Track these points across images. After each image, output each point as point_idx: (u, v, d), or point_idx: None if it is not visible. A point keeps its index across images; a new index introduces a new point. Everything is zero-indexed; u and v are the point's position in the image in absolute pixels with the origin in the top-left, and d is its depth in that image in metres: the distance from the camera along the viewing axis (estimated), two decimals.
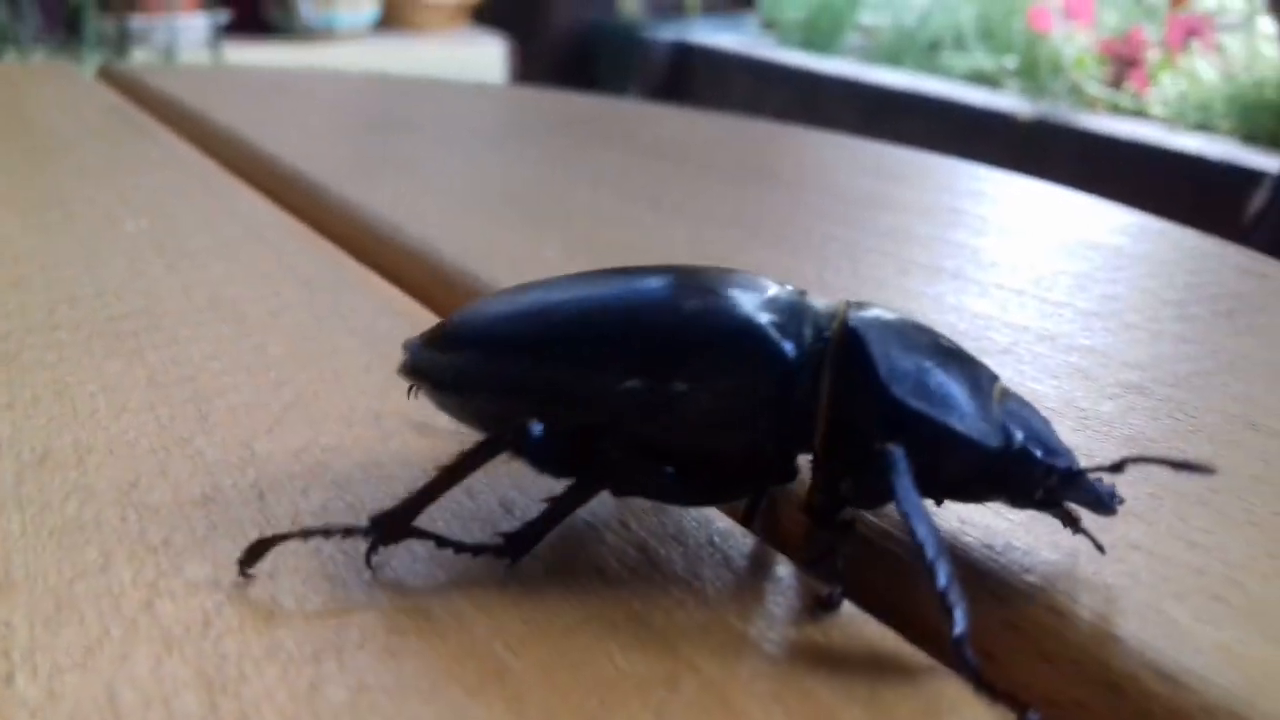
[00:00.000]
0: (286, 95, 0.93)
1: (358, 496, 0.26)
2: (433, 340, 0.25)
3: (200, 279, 0.43)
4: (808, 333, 0.23)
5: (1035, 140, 2.13)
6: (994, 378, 0.24)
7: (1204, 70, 2.11)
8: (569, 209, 0.54)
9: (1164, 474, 0.28)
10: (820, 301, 0.24)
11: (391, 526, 0.23)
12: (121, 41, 2.20)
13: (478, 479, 0.23)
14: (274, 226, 0.51)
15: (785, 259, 0.46)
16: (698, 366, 0.23)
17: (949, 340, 0.24)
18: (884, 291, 0.42)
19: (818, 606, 0.22)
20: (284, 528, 0.25)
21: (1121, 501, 0.23)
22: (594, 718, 0.19)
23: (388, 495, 0.26)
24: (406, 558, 0.24)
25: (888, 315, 0.24)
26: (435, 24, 2.80)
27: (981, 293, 0.42)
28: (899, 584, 0.23)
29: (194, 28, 2.36)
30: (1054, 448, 0.23)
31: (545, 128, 0.79)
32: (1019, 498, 0.23)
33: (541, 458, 0.23)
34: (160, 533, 0.25)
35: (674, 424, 0.23)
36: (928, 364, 0.23)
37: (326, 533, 0.23)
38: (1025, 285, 0.43)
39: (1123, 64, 2.19)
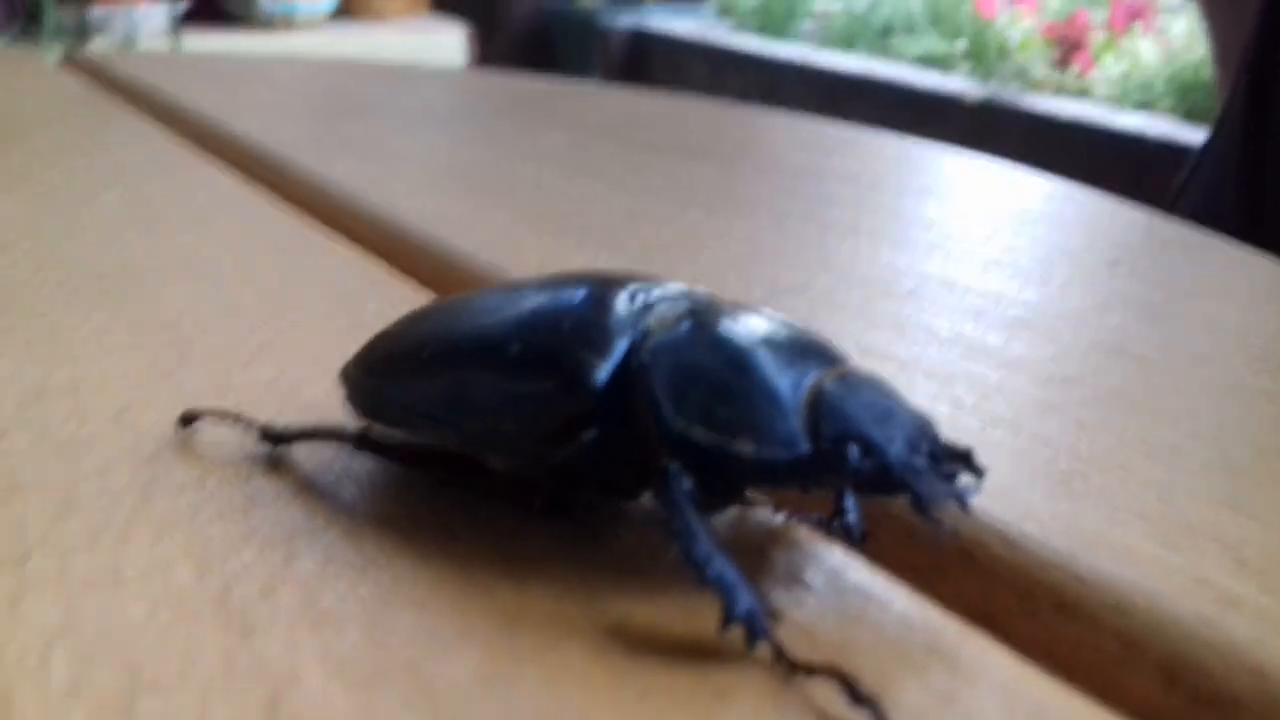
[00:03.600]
0: (248, 80, 0.96)
1: (323, 417, 0.30)
2: (345, 375, 0.28)
3: (174, 243, 0.46)
4: (623, 358, 0.23)
5: (983, 121, 2.18)
6: (818, 372, 0.23)
7: (1146, 51, 2.17)
8: (515, 183, 0.58)
9: (1033, 390, 0.32)
10: (659, 311, 0.24)
11: (272, 437, 0.28)
12: (81, 31, 2.21)
13: None
14: (242, 199, 0.54)
15: (718, 223, 0.49)
16: (516, 413, 0.24)
17: (781, 333, 0.23)
18: (806, 249, 0.46)
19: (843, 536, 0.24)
20: (264, 447, 0.28)
21: (961, 501, 0.22)
22: (526, 575, 0.23)
23: (347, 416, 0.30)
24: (366, 463, 0.27)
25: (696, 330, 0.23)
26: (394, 11, 2.82)
27: (894, 247, 0.46)
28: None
29: (153, 17, 2.37)
30: (873, 444, 0.21)
31: (495, 109, 0.82)
32: (855, 488, 0.23)
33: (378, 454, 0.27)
34: (150, 445, 0.28)
35: (519, 456, 0.25)
36: (719, 387, 0.22)
37: (236, 417, 0.29)
38: (936, 240, 0.47)
39: (1067, 46, 2.24)
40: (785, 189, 0.56)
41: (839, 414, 0.22)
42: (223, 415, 0.29)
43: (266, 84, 0.96)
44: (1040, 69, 2.27)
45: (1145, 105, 2.09)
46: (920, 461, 0.22)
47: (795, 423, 0.22)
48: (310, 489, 0.26)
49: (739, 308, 0.24)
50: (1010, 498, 0.26)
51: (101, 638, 0.21)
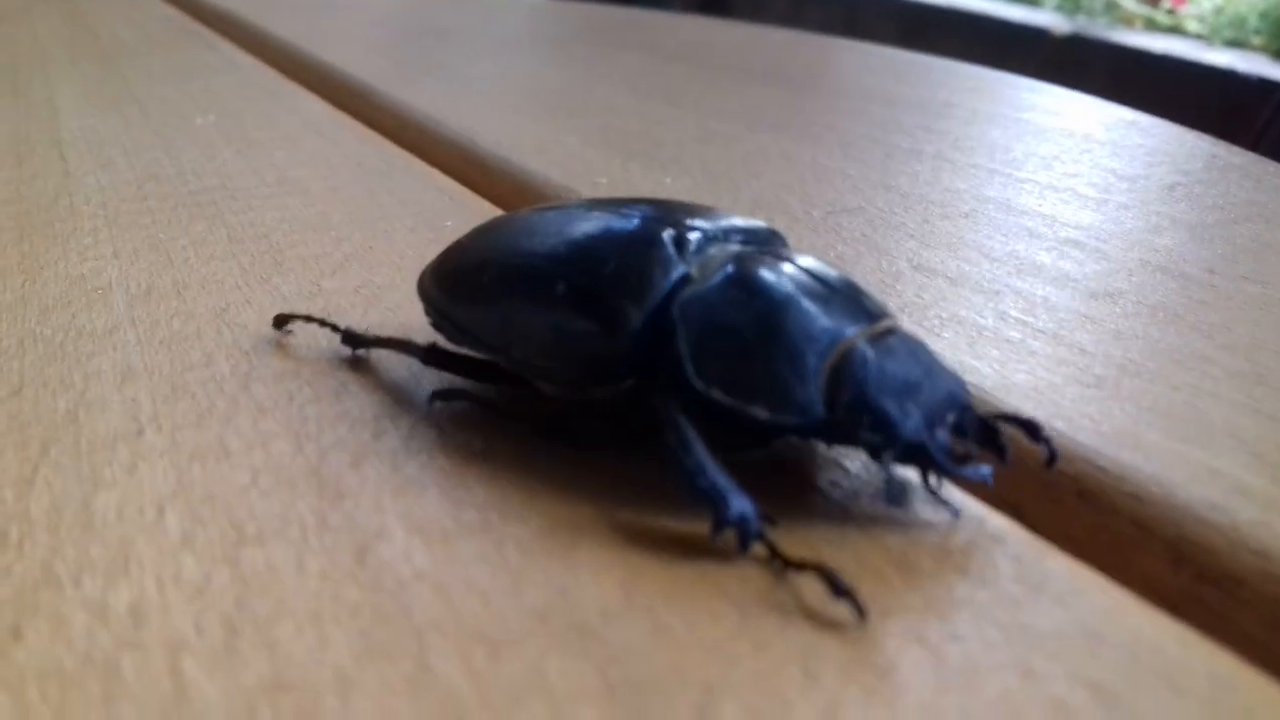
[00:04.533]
0: (330, 8, 0.99)
1: (406, 318, 0.32)
2: (420, 286, 0.30)
3: (266, 162, 0.48)
4: (665, 309, 0.23)
5: (1070, 56, 2.14)
6: (851, 332, 0.22)
7: None
8: (590, 104, 0.60)
9: (1076, 304, 0.33)
10: (705, 255, 0.24)
11: (353, 341, 0.30)
12: None
13: None
14: (329, 121, 0.57)
15: (784, 146, 0.51)
16: (556, 348, 0.25)
17: (819, 288, 0.23)
18: (868, 172, 0.47)
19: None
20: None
21: (981, 475, 0.22)
22: (585, 464, 0.25)
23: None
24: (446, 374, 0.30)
25: (732, 282, 0.23)
26: None
27: (956, 171, 0.47)
28: None
29: None
30: (888, 419, 0.21)
31: (572, 35, 0.84)
32: (871, 457, 0.22)
33: (443, 368, 0.28)
34: (249, 341, 0.31)
35: (561, 387, 0.26)
36: (743, 348, 0.22)
37: (322, 322, 0.30)
38: (998, 165, 0.48)
39: None
40: (853, 114, 0.57)
41: (858, 382, 0.22)
42: (308, 319, 0.31)
43: (348, 12, 0.98)
44: (1130, 3, 2.22)
45: (1237, 42, 2.03)
46: (937, 440, 0.22)
47: (813, 389, 0.22)
48: (394, 381, 0.29)
49: (785, 255, 0.24)
50: (1043, 398, 0.28)
51: (209, 499, 0.23)
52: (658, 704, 0.18)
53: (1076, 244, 0.38)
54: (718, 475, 0.21)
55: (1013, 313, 0.32)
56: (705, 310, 0.23)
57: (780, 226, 0.28)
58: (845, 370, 0.22)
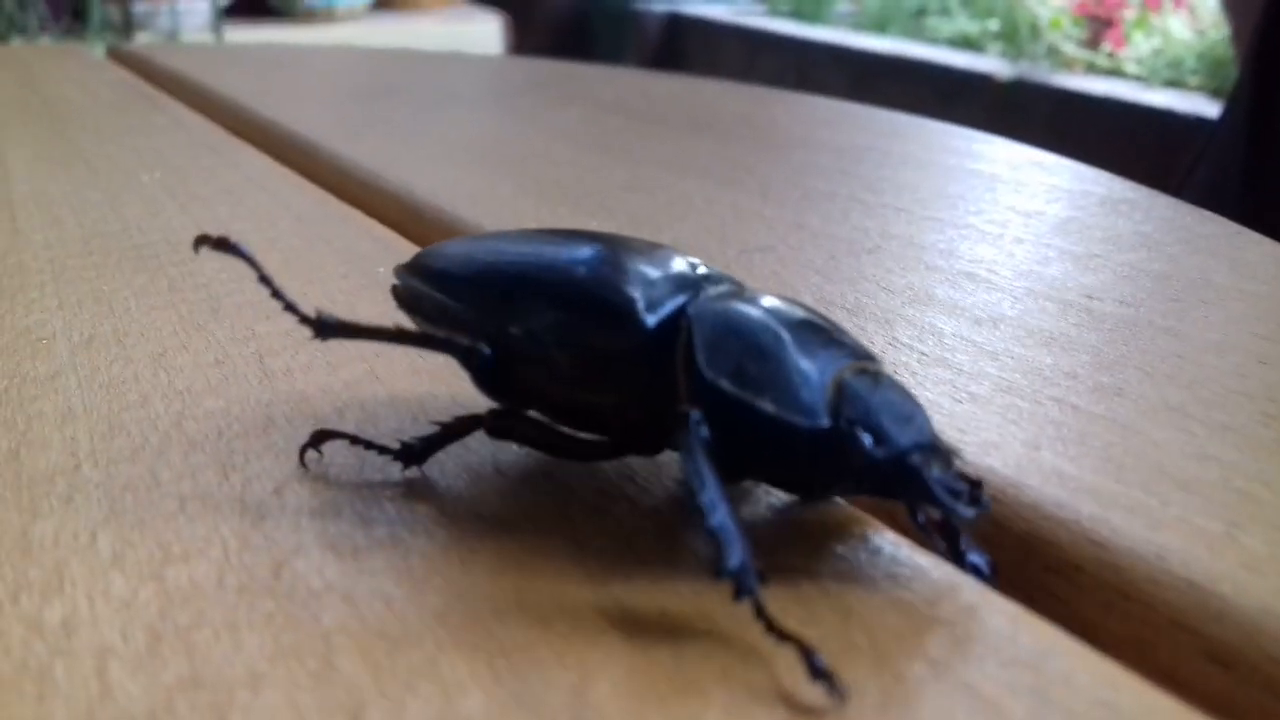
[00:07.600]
0: (282, 69, 1.01)
1: (335, 358, 0.34)
2: (404, 268, 0.30)
3: (209, 216, 0.51)
4: (673, 313, 0.25)
5: (1012, 100, 2.20)
6: (849, 362, 0.24)
7: (1177, 28, 2.17)
8: (526, 155, 0.62)
9: (964, 329, 0.36)
10: (716, 285, 0.26)
11: (326, 329, 0.28)
12: (126, 26, 2.28)
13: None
14: (271, 177, 0.59)
15: (707, 191, 0.53)
16: (564, 328, 0.26)
17: (822, 324, 0.25)
18: (783, 213, 0.50)
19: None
20: (281, 381, 0.33)
21: (979, 506, 0.22)
22: (500, 482, 0.27)
23: (358, 358, 0.34)
24: (372, 391, 0.32)
25: (741, 301, 0.25)
26: (432, 2, 2.87)
27: (865, 210, 0.49)
28: None
29: (196, 11, 2.44)
30: (888, 435, 0.22)
31: (517, 90, 0.86)
32: (858, 482, 0.23)
33: (480, 377, 0.27)
34: (184, 382, 0.33)
35: (550, 374, 0.26)
36: (755, 350, 0.23)
37: (289, 307, 0.29)
38: (906, 204, 0.50)
39: (1099, 24, 2.25)
40: (776, 160, 0.60)
41: (862, 401, 0.23)
42: (288, 306, 0.28)
43: (300, 72, 1.01)
44: (1071, 47, 2.29)
45: (1175, 83, 2.09)
46: (932, 468, 0.22)
47: (819, 397, 0.23)
48: (320, 415, 0.31)
49: (791, 300, 0.26)
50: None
51: (139, 524, 0.25)
52: (540, 686, 0.20)
53: (970, 276, 0.41)
54: (728, 517, 0.21)
55: (903, 339, 0.35)
56: (723, 315, 0.24)
57: None
58: (849, 388, 0.23)
